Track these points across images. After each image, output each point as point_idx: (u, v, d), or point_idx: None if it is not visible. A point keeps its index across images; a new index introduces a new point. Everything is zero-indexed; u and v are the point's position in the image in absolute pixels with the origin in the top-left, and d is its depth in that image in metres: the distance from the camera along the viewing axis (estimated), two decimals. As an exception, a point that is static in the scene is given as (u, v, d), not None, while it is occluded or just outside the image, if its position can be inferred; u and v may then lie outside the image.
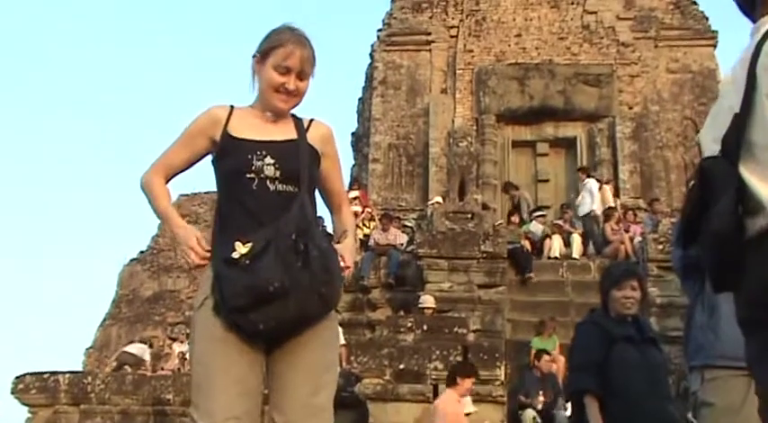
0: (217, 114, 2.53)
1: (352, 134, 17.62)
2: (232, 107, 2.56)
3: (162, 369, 11.10)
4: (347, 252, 2.50)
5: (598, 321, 3.89)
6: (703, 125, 1.95)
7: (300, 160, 2.44)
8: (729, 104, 1.77)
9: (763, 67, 1.70)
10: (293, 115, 2.58)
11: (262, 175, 2.40)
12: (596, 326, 3.87)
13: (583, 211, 13.16)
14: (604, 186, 13.57)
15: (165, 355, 12.08)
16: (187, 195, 25.11)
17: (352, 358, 8.01)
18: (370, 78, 16.45)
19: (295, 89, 2.51)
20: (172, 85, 72.45)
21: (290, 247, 2.27)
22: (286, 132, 2.51)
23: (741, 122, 1.71)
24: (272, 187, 2.39)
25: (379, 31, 16.33)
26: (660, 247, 10.90)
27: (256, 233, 2.31)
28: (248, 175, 2.40)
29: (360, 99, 17.34)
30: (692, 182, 1.87)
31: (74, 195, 65.22)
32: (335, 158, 2.65)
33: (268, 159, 2.41)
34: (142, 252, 24.70)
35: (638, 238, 12.01)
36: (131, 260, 24.64)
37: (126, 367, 10.37)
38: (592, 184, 13.38)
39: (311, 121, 2.59)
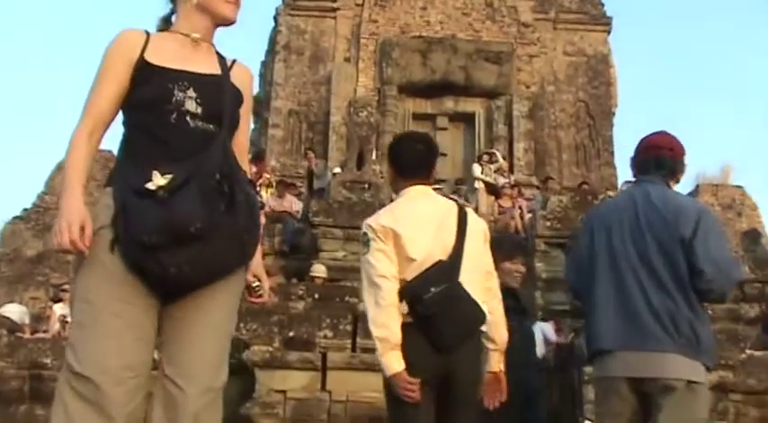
0: (132, 37, 2.27)
1: (253, 98, 17.30)
2: (148, 33, 2.30)
3: (42, 332, 10.68)
4: (261, 270, 2.38)
5: None
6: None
7: (224, 99, 2.24)
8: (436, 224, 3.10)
9: (474, 230, 3.13)
10: (216, 51, 2.37)
11: (182, 109, 2.18)
12: None
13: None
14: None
15: (46, 317, 11.60)
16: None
17: (241, 325, 7.93)
18: (273, 42, 16.18)
19: None
20: (65, 36, 68.99)
21: (213, 188, 2.07)
22: (209, 65, 2.30)
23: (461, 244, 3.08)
24: (191, 123, 2.18)
25: (285, -6, 16.05)
26: (548, 223, 11.24)
27: (175, 167, 2.06)
28: (167, 107, 2.17)
29: (262, 63, 17.02)
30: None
31: (-47, 147, 61.58)
32: (250, 108, 2.45)
33: (190, 92, 2.20)
34: (26, 209, 23.57)
35: (528, 215, 12.39)
36: (14, 218, 23.46)
37: (2, 331, 9.91)
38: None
39: (234, 61, 2.40)
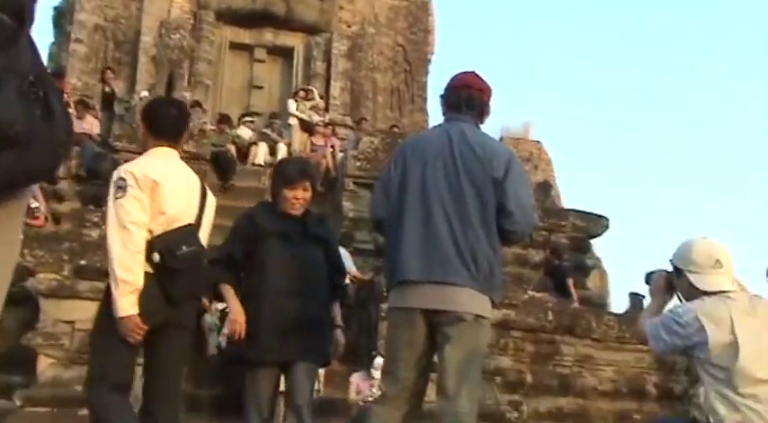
0: None
1: (55, 8, 15.86)
2: None
3: None
4: (38, 190, 2.14)
5: (253, 215, 3.88)
6: None
7: None
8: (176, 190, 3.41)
9: (210, 202, 3.58)
10: None
11: None
12: (248, 219, 3.86)
13: None
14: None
15: None
16: None
17: (25, 251, 7.38)
18: (79, -52, 14.81)
19: None
20: None
21: (27, 90, 1.79)
22: None
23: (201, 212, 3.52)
24: None
25: None
26: (358, 164, 11.38)
27: None
28: None
29: (67, -30, 15.60)
30: None
31: None
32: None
33: None
34: None
35: (340, 154, 12.47)
36: None
37: None
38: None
39: None
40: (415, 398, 3.30)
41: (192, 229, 3.41)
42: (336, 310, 4.01)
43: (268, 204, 3.98)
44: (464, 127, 3.37)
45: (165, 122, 3.53)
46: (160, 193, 3.29)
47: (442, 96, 3.56)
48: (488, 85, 3.52)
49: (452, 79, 3.53)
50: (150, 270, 3.25)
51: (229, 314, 3.78)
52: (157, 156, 3.46)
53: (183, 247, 3.29)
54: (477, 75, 3.54)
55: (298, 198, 3.82)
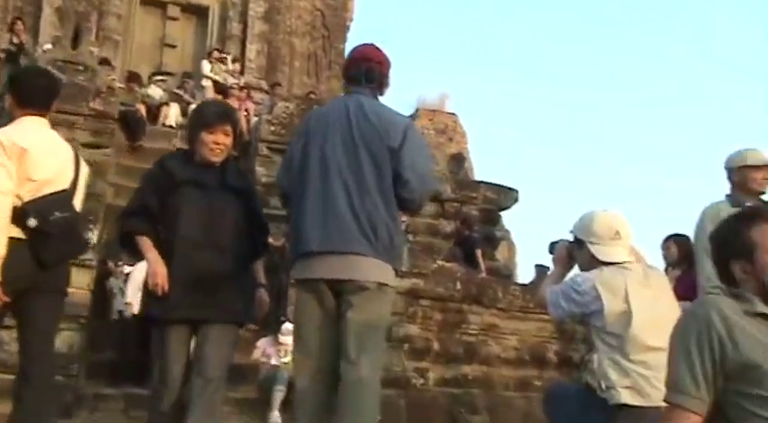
0: None
1: (-49, -49, 14.85)
2: None
3: None
4: None
5: (164, 163, 3.59)
6: None
7: None
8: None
9: (83, 170, 3.67)
10: None
11: None
12: (160, 167, 3.58)
13: None
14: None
15: None
16: None
17: None
18: None
19: None
20: None
21: None
22: None
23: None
24: None
25: None
26: (273, 128, 11.21)
27: None
28: None
29: None
30: None
31: None
32: None
33: None
34: None
35: (254, 118, 12.27)
36: None
37: None
38: None
39: None
40: (331, 367, 3.29)
41: (66, 195, 3.47)
42: (259, 268, 3.77)
43: (182, 151, 3.75)
44: (362, 99, 3.41)
45: (34, 94, 3.53)
46: (28, 159, 3.30)
47: (343, 68, 3.60)
48: (387, 57, 3.57)
49: (352, 52, 3.58)
50: (19, 235, 3.28)
51: (148, 267, 3.44)
52: (27, 124, 3.47)
53: (56, 213, 3.35)
54: (376, 47, 3.57)
55: (218, 143, 3.51)
